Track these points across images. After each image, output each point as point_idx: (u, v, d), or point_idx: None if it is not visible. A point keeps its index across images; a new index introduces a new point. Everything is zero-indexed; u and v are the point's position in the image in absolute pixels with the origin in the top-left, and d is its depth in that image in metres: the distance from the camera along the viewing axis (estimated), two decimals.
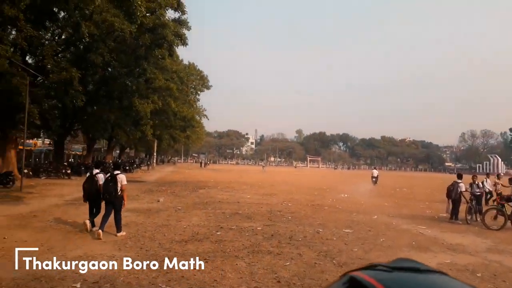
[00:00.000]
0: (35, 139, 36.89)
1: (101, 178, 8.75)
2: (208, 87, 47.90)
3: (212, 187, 23.06)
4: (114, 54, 22.33)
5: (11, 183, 17.08)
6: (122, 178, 8.31)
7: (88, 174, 9.02)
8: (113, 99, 26.42)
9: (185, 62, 43.89)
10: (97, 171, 8.97)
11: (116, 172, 8.39)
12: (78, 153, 50.39)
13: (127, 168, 39.10)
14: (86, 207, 12.06)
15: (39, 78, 21.35)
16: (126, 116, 27.08)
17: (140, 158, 61.10)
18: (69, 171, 25.93)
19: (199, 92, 46.87)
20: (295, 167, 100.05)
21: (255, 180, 32.91)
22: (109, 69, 25.06)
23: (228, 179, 32.11)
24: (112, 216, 8.28)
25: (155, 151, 50.92)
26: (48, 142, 45.12)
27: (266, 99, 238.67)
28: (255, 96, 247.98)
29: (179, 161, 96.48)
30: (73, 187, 19.37)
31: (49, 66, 18.79)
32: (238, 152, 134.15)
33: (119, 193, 8.21)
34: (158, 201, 14.90)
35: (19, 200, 13.51)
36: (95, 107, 28.80)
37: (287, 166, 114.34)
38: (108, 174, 8.42)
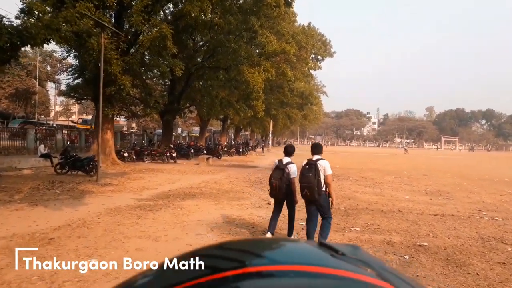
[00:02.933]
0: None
1: (293, 169, 6.09)
2: (331, 55, 40.96)
3: (342, 177, 17.00)
4: (218, 10, 17.65)
5: (94, 170, 13.83)
6: (325, 165, 5.62)
7: (275, 164, 6.25)
8: (219, 69, 22.23)
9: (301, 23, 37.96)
10: (289, 159, 6.21)
11: (316, 157, 5.71)
12: (196, 135, 49.34)
13: (241, 150, 35.65)
14: (149, 222, 7.49)
15: (132, 48, 18.11)
16: (234, 89, 22.76)
17: (256, 140, 58.02)
18: (174, 154, 22.85)
19: (320, 58, 40.20)
20: (437, 149, 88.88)
21: (394, 166, 25.75)
22: (213, 35, 20.81)
23: (358, 165, 25.60)
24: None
25: (270, 132, 46.76)
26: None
27: (389, 74, 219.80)
28: (376, 71, 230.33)
29: (295, 143, 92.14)
30: (169, 175, 15.59)
31: (137, 25, 14.93)
32: (359, 133, 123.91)
33: (324, 189, 5.55)
34: (269, 204, 9.63)
35: (80, 197, 9.67)
36: (200, 82, 25.25)
37: (417, 148, 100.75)
38: (306, 161, 5.73)
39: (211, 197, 10.42)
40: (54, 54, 41.73)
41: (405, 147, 61.59)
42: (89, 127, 34.26)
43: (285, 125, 46.89)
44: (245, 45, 21.24)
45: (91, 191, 10.58)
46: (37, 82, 38.28)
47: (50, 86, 50.68)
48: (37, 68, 37.21)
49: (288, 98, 34.65)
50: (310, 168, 5.56)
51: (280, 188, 5.95)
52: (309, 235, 5.67)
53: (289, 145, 6.62)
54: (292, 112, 41.00)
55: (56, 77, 51.18)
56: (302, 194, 5.65)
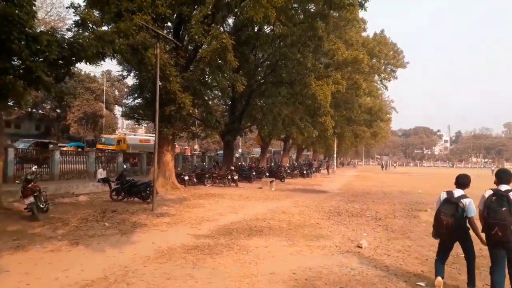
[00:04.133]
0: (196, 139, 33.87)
1: (471, 206, 4.68)
2: (403, 65, 37.57)
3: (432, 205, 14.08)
4: (282, 17, 16.01)
5: (151, 196, 12.51)
6: None
7: (443, 197, 4.93)
8: (282, 84, 20.50)
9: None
10: (462, 192, 4.86)
11: (505, 187, 4.44)
12: (256, 156, 47.92)
13: (304, 172, 33.35)
14: (207, 275, 5.61)
15: (192, 65, 17.01)
16: (299, 105, 20.82)
17: (319, 161, 55.23)
18: (235, 177, 21.27)
19: (394, 70, 36.97)
20: None
21: None
22: (276, 48, 19.20)
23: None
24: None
25: (335, 151, 43.95)
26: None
27: (462, 88, 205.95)
28: (447, 85, 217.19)
29: (359, 163, 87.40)
30: (231, 202, 13.92)
31: (196, 36, 13.71)
32: (429, 153, 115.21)
33: None
34: (360, 247, 7.37)
35: (130, 233, 8.15)
36: (262, 100, 23.67)
37: (497, 168, 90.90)
38: (491, 192, 4.47)
39: (282, 233, 8.40)
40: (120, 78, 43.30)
41: (492, 168, 55.09)
42: (112, 147, 29.93)
43: (352, 144, 43.93)
44: (311, 55, 19.40)
45: (143, 224, 9.07)
46: (104, 106, 39.53)
47: (118, 109, 52.72)
48: (104, 92, 38.46)
49: (357, 115, 32.01)
50: (501, 201, 4.36)
51: (453, 228, 4.71)
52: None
53: (462, 174, 5.14)
54: (360, 129, 38.11)
55: (123, 101, 53.26)
56: (490, 234, 4.45)
